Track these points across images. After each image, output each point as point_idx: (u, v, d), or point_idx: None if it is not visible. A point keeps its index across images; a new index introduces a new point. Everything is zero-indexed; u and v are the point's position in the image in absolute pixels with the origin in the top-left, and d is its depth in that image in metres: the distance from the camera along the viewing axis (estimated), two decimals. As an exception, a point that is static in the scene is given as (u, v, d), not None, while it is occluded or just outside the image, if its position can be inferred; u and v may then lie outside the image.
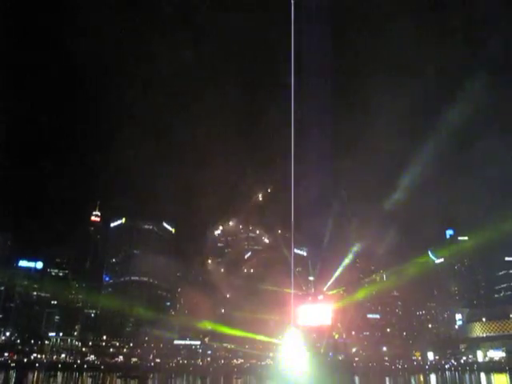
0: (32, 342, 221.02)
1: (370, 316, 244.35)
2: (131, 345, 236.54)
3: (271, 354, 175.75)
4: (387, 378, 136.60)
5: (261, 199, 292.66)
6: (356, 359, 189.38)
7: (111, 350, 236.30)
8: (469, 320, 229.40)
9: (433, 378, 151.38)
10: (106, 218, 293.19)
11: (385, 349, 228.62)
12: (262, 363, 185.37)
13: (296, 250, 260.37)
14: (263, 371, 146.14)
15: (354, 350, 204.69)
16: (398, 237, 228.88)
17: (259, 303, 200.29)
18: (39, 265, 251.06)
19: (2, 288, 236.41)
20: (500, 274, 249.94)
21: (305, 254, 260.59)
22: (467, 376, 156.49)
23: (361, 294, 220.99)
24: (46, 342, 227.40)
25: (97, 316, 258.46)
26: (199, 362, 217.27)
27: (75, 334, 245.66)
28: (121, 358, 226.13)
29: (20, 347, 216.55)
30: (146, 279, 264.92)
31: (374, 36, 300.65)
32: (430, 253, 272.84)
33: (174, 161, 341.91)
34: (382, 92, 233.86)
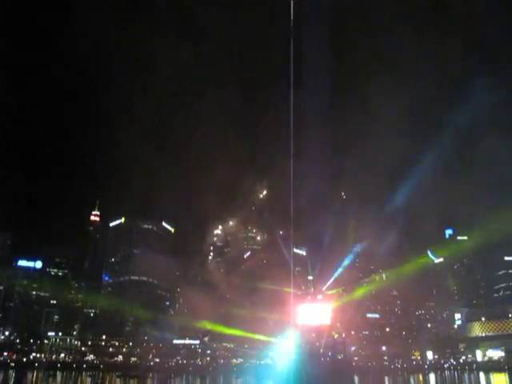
0: (31, 341, 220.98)
1: (369, 315, 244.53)
2: (130, 344, 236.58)
3: (271, 354, 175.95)
4: (386, 378, 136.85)
5: (260, 199, 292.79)
6: (355, 359, 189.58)
7: (110, 349, 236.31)
8: (468, 319, 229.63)
9: (432, 377, 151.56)
10: (106, 218, 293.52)
11: (384, 348, 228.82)
12: (262, 363, 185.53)
13: (295, 250, 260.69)
14: (263, 370, 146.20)
15: (353, 349, 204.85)
16: (398, 236, 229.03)
17: (259, 303, 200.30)
18: (38, 264, 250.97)
19: (2, 287, 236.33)
20: (499, 273, 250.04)
21: (304, 253, 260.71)
22: (466, 375, 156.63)
23: (360, 294, 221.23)
24: (46, 341, 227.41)
25: (96, 315, 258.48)
26: (198, 361, 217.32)
27: (74, 333, 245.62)
28: (120, 357, 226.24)
29: (19, 347, 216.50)
30: (145, 279, 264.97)
31: (373, 36, 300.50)
32: (429, 252, 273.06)
33: (173, 160, 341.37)
34: (382, 92, 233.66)
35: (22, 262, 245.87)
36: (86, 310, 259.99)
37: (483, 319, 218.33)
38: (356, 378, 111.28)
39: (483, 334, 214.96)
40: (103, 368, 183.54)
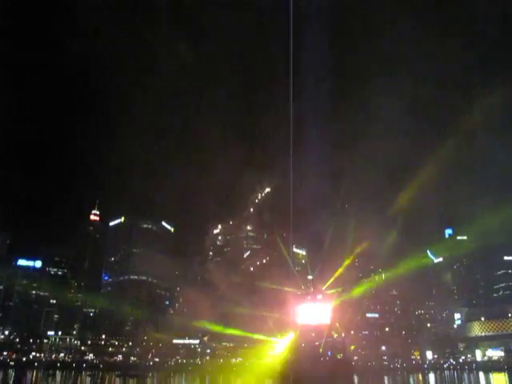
0: (31, 340, 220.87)
1: (368, 315, 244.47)
2: (130, 344, 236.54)
3: (270, 353, 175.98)
4: (386, 377, 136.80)
5: (260, 198, 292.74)
6: (355, 358, 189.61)
7: (110, 349, 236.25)
8: (468, 319, 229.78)
9: (431, 377, 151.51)
10: (105, 217, 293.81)
11: (384, 348, 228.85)
12: (261, 362, 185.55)
13: (295, 250, 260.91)
14: (262, 370, 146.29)
15: (352, 348, 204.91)
16: (397, 236, 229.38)
17: (258, 302, 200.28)
18: (38, 264, 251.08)
19: (1, 287, 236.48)
20: (499, 273, 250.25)
21: (304, 253, 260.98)
22: (466, 375, 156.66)
23: (359, 293, 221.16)
24: (45, 340, 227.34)
25: (96, 315, 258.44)
26: (198, 361, 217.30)
27: (74, 332, 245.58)
28: (120, 357, 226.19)
29: (19, 346, 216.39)
30: (144, 278, 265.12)
31: (374, 36, 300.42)
32: (428, 252, 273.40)
33: (173, 160, 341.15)
34: (382, 92, 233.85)
35: (22, 262, 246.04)
36: (85, 310, 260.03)
37: (483, 319, 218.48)
38: (355, 378, 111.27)
39: (483, 334, 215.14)
40: (103, 367, 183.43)
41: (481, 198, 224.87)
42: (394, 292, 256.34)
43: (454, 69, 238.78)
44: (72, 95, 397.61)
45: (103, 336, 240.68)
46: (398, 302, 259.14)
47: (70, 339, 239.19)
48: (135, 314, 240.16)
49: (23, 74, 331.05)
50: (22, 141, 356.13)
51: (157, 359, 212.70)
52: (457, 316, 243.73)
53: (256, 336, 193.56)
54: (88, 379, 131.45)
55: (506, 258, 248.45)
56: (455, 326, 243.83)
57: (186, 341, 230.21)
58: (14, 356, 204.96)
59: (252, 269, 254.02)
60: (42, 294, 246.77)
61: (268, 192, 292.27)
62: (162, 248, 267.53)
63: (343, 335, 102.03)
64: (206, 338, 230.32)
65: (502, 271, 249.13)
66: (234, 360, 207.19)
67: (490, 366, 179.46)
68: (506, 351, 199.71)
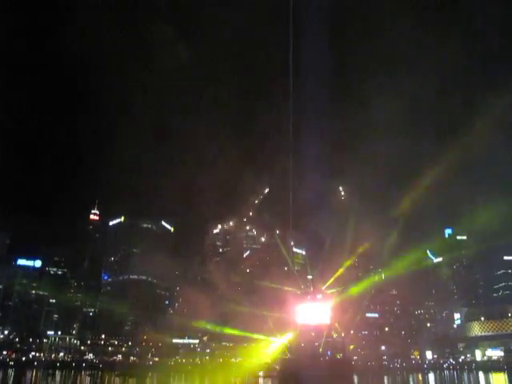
0: (30, 340, 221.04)
1: (368, 315, 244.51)
2: (130, 344, 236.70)
3: (270, 353, 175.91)
4: (386, 377, 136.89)
5: (260, 198, 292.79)
6: (355, 358, 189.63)
7: (110, 348, 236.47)
8: (467, 319, 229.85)
9: (431, 376, 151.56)
10: (105, 217, 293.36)
11: (383, 348, 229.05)
12: (261, 362, 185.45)
13: (295, 249, 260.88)
14: (262, 370, 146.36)
15: (352, 348, 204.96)
16: (397, 236, 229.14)
17: (258, 302, 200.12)
18: (38, 263, 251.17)
19: (1, 286, 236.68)
20: (499, 273, 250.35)
21: (304, 252, 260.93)
22: (465, 375, 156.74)
23: (360, 293, 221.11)
24: (45, 340, 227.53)
25: (95, 315, 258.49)
26: (198, 360, 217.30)
27: (74, 332, 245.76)
28: (119, 356, 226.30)
29: (18, 346, 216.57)
30: (144, 278, 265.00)
31: (374, 36, 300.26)
32: (428, 252, 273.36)
33: (173, 160, 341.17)
34: (382, 92, 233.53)
35: (22, 261, 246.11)
36: (85, 309, 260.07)
37: (482, 319, 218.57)
38: (355, 378, 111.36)
39: (482, 334, 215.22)
40: (102, 367, 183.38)
41: (481, 197, 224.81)
42: (394, 292, 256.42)
43: (454, 69, 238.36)
44: (72, 95, 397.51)
45: (103, 336, 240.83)
46: (398, 301, 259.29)
47: (70, 339, 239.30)
48: (135, 313, 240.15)
49: (23, 73, 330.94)
50: (22, 141, 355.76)
51: (156, 359, 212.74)
52: (456, 316, 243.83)
53: (256, 336, 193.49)
54: (87, 379, 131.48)
55: (505, 257, 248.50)
56: (455, 325, 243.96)
57: (186, 340, 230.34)
58: (13, 355, 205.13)
59: (252, 268, 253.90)
60: (41, 293, 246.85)
61: (268, 192, 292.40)
62: (162, 248, 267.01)
63: (343, 335, 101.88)
64: (205, 338, 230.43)
65: (502, 271, 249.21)
66: (233, 360, 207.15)
67: (490, 366, 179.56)
68: (505, 351, 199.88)
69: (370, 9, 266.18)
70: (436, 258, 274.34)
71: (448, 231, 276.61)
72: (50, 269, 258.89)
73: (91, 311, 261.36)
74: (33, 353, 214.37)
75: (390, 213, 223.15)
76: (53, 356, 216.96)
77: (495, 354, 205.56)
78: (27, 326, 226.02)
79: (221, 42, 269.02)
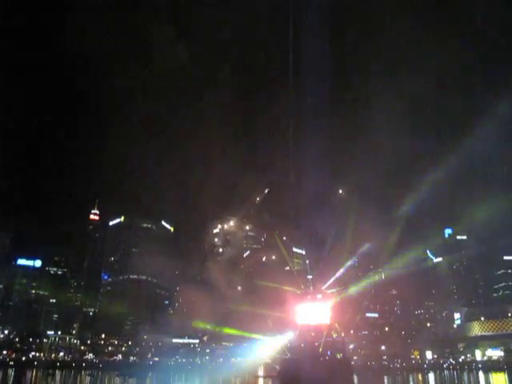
0: (30, 340, 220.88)
1: (368, 315, 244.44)
2: (130, 343, 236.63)
3: (270, 353, 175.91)
4: (385, 377, 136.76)
5: (260, 198, 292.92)
6: (354, 358, 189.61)
7: (109, 348, 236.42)
8: (467, 319, 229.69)
9: (431, 376, 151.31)
10: (105, 217, 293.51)
11: (383, 348, 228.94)
12: (261, 362, 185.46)
13: (295, 249, 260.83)
14: (261, 369, 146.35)
15: (352, 348, 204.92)
16: (397, 236, 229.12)
17: (258, 302, 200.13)
18: (38, 263, 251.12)
19: (1, 286, 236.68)
20: (498, 273, 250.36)
21: (304, 252, 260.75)
22: (465, 375, 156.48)
23: (359, 293, 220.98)
24: (45, 340, 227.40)
25: (95, 314, 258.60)
26: (197, 360, 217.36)
27: (74, 332, 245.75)
28: (119, 356, 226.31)
29: (18, 345, 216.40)
30: (144, 278, 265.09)
31: (373, 36, 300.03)
32: (428, 252, 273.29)
33: (173, 159, 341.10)
34: (382, 92, 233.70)
35: (22, 261, 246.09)
36: (85, 309, 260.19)
37: (482, 319, 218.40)
38: (355, 378, 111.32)
39: (482, 334, 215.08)
40: (102, 367, 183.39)
41: (481, 197, 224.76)
42: (394, 292, 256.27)
43: (454, 69, 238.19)
44: (72, 95, 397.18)
45: (103, 335, 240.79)
46: (398, 301, 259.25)
47: (70, 338, 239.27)
48: (135, 313, 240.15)
49: (23, 73, 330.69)
50: (22, 141, 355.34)
51: (156, 359, 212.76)
52: (456, 316, 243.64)
53: (255, 336, 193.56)
54: (87, 379, 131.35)
55: (505, 257, 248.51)
56: (455, 325, 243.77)
57: (186, 340, 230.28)
58: (13, 355, 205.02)
59: (251, 268, 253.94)
60: (41, 293, 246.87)
61: (268, 191, 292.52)
62: (162, 247, 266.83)
63: (343, 335, 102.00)
64: (205, 338, 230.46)
65: (502, 271, 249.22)
66: (233, 359, 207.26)
67: (490, 366, 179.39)
68: (505, 351, 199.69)
69: (370, 9, 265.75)
70: (436, 258, 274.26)
71: (448, 231, 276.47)
72: (50, 269, 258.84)
73: (91, 311, 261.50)
74: (33, 353, 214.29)
75: (390, 213, 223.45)
76: (53, 356, 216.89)
77: (495, 353, 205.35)
78: (27, 326, 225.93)
79: (221, 41, 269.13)
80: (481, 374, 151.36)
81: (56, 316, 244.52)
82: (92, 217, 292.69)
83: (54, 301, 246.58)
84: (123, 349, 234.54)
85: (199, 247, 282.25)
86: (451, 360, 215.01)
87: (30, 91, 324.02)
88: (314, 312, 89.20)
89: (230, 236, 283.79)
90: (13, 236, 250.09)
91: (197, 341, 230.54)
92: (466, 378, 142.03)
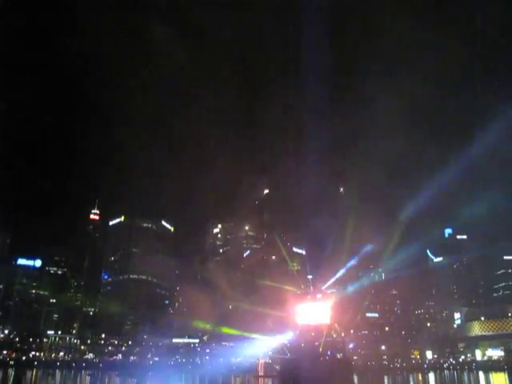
0: (31, 340, 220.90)
1: (368, 315, 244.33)
2: (130, 343, 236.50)
3: (270, 353, 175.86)
4: (386, 377, 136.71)
5: (260, 198, 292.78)
6: (354, 358, 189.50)
7: (110, 348, 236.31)
8: (467, 319, 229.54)
9: (431, 376, 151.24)
10: (105, 217, 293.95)
11: (383, 347, 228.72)
12: (261, 362, 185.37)
13: (294, 249, 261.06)
14: (261, 369, 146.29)
15: (352, 348, 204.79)
16: (397, 235, 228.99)
17: (258, 302, 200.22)
18: (38, 263, 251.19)
19: (1, 286, 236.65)
20: (499, 272, 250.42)
21: (303, 252, 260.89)
22: (466, 375, 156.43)
23: (360, 293, 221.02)
24: (45, 340, 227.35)
25: (95, 314, 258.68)
26: (198, 360, 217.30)
27: (74, 332, 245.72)
28: (119, 356, 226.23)
29: (19, 345, 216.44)
30: (144, 277, 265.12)
31: (374, 36, 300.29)
32: (428, 252, 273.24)
33: (173, 160, 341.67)
34: (382, 91, 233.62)
35: (22, 261, 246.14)
36: (85, 309, 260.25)
37: (482, 318, 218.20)
38: (355, 378, 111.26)
39: (482, 334, 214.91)
40: (102, 367, 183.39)
41: (481, 197, 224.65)
42: (394, 292, 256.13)
43: (454, 69, 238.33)
44: (72, 95, 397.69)
45: (103, 335, 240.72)
46: (398, 301, 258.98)
47: (70, 338, 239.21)
48: (135, 313, 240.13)
49: (23, 73, 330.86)
50: (22, 141, 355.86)
51: (156, 358, 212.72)
52: (457, 316, 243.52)
53: (255, 335, 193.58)
54: (87, 378, 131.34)
55: (505, 257, 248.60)
56: (455, 325, 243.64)
57: (186, 340, 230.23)
58: (13, 355, 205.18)
59: (251, 268, 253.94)
60: (41, 293, 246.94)
61: (268, 192, 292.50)
62: (162, 247, 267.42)
63: (343, 335, 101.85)
64: (205, 338, 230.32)
65: (502, 271, 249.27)
66: (233, 359, 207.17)
67: (490, 366, 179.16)
68: (505, 351, 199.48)
69: (370, 9, 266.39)
70: (436, 258, 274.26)
71: (448, 231, 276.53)
72: (50, 268, 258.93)
73: (91, 311, 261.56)
74: (33, 352, 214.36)
75: (390, 212, 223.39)
76: (53, 355, 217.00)
77: (495, 353, 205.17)
78: (27, 326, 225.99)
79: (221, 41, 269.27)
80: (481, 374, 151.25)
81: (56, 316, 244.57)
82: (92, 217, 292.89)
83: (54, 301, 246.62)
84: (123, 349, 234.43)
85: (199, 247, 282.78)
86: (451, 360, 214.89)
87: (30, 91, 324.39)
88: (313, 312, 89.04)
89: (230, 236, 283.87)
90: (13, 236, 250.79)
91: (197, 340, 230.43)
92: (466, 377, 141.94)
